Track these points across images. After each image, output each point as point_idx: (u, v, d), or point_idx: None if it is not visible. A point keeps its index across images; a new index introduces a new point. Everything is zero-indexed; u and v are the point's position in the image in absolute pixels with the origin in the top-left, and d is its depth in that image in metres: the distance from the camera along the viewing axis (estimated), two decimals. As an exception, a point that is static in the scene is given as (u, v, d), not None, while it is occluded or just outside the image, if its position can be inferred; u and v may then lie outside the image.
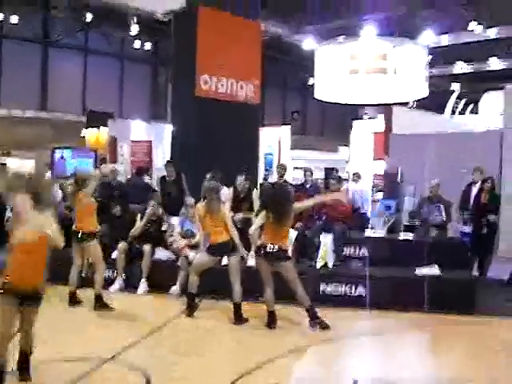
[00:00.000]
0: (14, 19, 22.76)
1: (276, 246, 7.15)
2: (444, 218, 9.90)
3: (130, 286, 9.12)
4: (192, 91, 12.47)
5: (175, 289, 8.72)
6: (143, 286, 9.00)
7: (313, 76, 17.45)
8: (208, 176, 9.26)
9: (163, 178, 11.23)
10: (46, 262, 5.15)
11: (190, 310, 7.75)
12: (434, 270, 8.54)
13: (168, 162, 11.58)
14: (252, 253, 8.00)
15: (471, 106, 24.61)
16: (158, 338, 6.93)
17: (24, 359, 5.21)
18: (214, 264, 7.76)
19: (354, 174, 13.92)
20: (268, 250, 7.17)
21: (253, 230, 7.50)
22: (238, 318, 7.45)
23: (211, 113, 12.41)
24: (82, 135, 19.84)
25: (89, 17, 23.40)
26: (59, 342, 6.54)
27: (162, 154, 17.46)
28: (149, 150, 17.63)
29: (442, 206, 9.90)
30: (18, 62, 23.97)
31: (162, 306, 8.41)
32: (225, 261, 7.84)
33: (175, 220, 9.76)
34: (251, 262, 8.13)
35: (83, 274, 8.53)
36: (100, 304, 7.96)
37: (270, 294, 7.32)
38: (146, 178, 12.30)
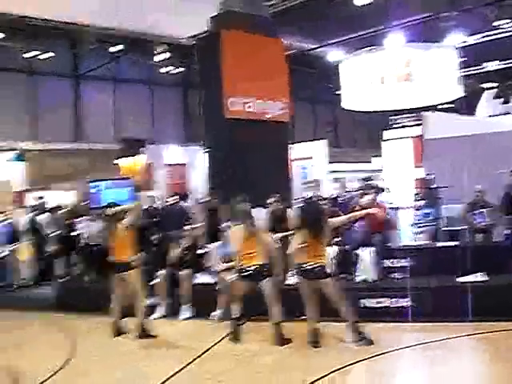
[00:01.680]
0: (45, 55, 23.28)
1: (315, 264, 7.12)
2: (488, 223, 9.72)
3: (172, 312, 9.15)
4: (222, 113, 12.58)
5: (217, 313, 8.71)
6: (185, 311, 9.03)
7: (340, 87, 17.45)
8: (238, 199, 9.15)
9: (204, 202, 11.35)
10: None
11: (235, 334, 7.72)
12: (479, 277, 8.35)
13: (211, 188, 11.70)
14: (292, 272, 7.97)
15: (503, 105, 24.16)
16: (202, 364, 6.92)
17: None
18: (251, 289, 7.69)
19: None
20: (307, 268, 7.14)
21: (291, 249, 7.45)
22: (279, 339, 7.39)
23: (242, 133, 12.49)
24: (118, 164, 20.10)
25: (116, 47, 23.82)
26: (106, 372, 6.61)
27: (197, 177, 17.61)
28: (184, 173, 17.80)
29: (485, 210, 9.73)
30: (51, 96, 24.51)
31: (205, 331, 8.40)
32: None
33: (214, 244, 9.78)
34: (291, 280, 8.08)
35: (125, 304, 8.57)
36: (143, 333, 8.01)
37: (312, 312, 7.27)
38: (188, 202, 12.38)
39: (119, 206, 8.47)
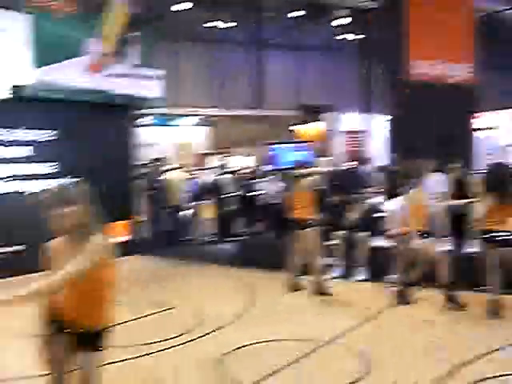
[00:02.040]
0: (228, 24, 24.12)
1: (504, 231, 6.80)
2: None
3: (349, 273, 9.23)
4: (404, 77, 12.29)
5: (393, 277, 8.64)
6: (360, 273, 9.06)
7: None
8: (417, 163, 8.88)
9: (385, 167, 11.25)
10: None
11: (408, 299, 7.64)
12: None
13: (392, 153, 11.58)
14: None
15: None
16: (375, 325, 6.94)
17: None
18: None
19: None
20: (496, 235, 6.84)
21: (477, 215, 7.15)
22: (451, 301, 7.20)
23: (424, 98, 12.12)
24: (295, 129, 20.46)
25: (297, 13, 24.02)
26: (280, 324, 6.86)
27: (375, 144, 17.43)
28: (363, 141, 17.70)
29: None
30: (233, 64, 25.41)
31: (380, 293, 8.38)
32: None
33: (392, 207, 9.66)
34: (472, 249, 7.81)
35: (302, 262, 8.75)
36: (318, 290, 8.17)
37: (495, 282, 6.97)
38: (367, 168, 12.34)
39: (304, 166, 8.64)
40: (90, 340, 3.49)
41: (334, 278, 9.14)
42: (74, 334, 3.49)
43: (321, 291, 8.17)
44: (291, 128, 20.50)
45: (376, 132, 16.93)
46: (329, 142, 18.29)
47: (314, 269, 8.28)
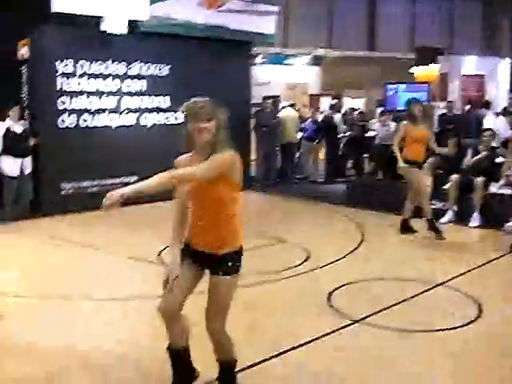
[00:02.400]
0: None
1: None
2: None
3: (461, 218, 8.97)
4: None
5: (510, 225, 8.32)
6: (475, 219, 8.78)
7: None
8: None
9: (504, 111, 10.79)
10: None
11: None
12: None
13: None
14: None
15: None
16: (489, 270, 6.74)
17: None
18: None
19: None
20: None
21: None
22: None
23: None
24: (410, 72, 19.80)
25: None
26: (389, 263, 6.83)
27: (495, 88, 16.61)
28: (481, 85, 16.90)
29: None
30: (347, 5, 24.74)
31: (494, 240, 8.11)
32: None
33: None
34: None
35: (414, 204, 8.53)
36: (431, 227, 8.02)
37: None
38: (488, 112, 11.83)
39: (418, 103, 8.36)
40: (220, 263, 3.49)
41: (447, 222, 8.90)
42: (206, 256, 3.53)
43: (434, 229, 8.00)
44: (409, 70, 19.81)
45: (500, 76, 16.06)
46: (446, 86, 17.54)
47: (425, 211, 8.10)
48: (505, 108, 11.15)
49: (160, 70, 10.72)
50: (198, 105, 3.43)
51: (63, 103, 9.58)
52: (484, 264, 6.86)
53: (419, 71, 19.51)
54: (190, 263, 3.55)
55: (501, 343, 4.71)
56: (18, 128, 9.08)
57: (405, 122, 8.26)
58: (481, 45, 26.38)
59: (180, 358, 3.68)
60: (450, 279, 6.23)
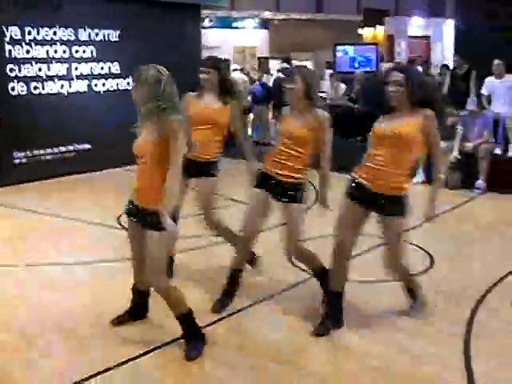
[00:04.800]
0: None
1: None
2: None
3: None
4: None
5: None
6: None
7: None
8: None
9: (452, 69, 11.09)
10: None
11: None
12: None
13: (455, 53, 11.33)
14: None
15: None
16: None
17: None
18: None
19: None
20: None
21: None
22: None
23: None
24: (358, 34, 20.05)
25: None
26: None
27: (440, 50, 16.96)
28: (427, 46, 17.23)
29: None
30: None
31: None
32: None
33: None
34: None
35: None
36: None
37: None
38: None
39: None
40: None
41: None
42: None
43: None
44: (359, 32, 20.03)
45: (445, 38, 16.38)
46: (392, 47, 17.83)
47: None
48: (443, 65, 11.52)
49: (109, 35, 10.58)
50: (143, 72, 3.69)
51: (12, 71, 9.41)
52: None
53: (366, 33, 19.77)
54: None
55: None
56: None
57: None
58: (426, 6, 26.77)
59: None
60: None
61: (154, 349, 4.03)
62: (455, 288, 5.14)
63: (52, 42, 9.82)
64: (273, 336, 4.27)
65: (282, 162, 4.37)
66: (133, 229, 3.96)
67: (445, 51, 15.72)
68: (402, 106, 4.02)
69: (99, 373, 3.73)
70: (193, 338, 3.98)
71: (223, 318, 4.53)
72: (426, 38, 18.11)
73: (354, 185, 4.17)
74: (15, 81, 9.42)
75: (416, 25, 19.52)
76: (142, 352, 3.98)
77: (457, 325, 4.37)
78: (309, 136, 4.33)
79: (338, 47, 14.83)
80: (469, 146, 8.85)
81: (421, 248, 6.06)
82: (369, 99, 9.86)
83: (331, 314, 4.32)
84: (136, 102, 3.73)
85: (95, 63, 10.42)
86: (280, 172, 4.37)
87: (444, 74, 11.54)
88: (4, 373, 3.81)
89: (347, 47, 14.61)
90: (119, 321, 4.36)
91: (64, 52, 9.98)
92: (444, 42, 17.41)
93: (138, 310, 4.39)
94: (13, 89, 9.39)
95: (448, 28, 16.58)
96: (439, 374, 3.76)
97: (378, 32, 19.35)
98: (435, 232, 6.60)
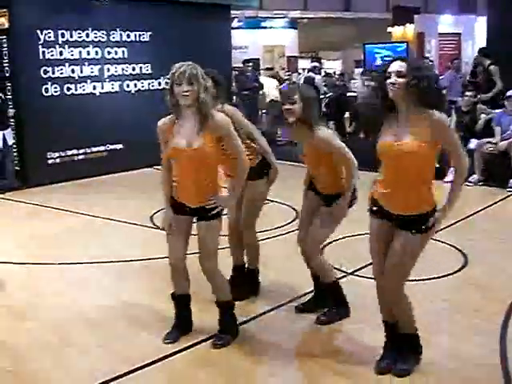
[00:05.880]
0: None
1: None
2: None
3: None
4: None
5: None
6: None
7: None
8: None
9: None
10: None
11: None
12: None
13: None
14: None
15: None
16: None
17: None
18: None
19: None
20: None
21: None
22: None
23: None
24: (388, 31, 19.91)
25: None
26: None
27: (471, 48, 16.77)
28: (457, 44, 17.04)
29: None
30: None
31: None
32: None
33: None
34: None
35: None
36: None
37: None
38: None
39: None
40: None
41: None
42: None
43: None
44: (387, 30, 19.89)
45: (477, 35, 16.19)
46: (422, 45, 17.67)
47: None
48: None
49: (140, 36, 10.68)
50: (181, 69, 3.60)
51: (46, 72, 9.55)
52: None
53: (396, 31, 19.62)
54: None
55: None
56: (-6, 101, 9.04)
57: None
58: (456, 3, 26.47)
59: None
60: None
61: (188, 347, 4.06)
62: (490, 286, 5.09)
63: (84, 44, 9.95)
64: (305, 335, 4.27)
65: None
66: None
67: (476, 49, 15.46)
68: (404, 103, 3.32)
69: (134, 370, 3.77)
70: (227, 329, 4.06)
71: (255, 317, 4.55)
72: (457, 35, 17.88)
73: (375, 208, 3.68)
74: (49, 82, 9.56)
75: (446, 22, 19.29)
76: (176, 350, 4.00)
77: (492, 322, 4.33)
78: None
79: (367, 46, 14.79)
80: (503, 144, 8.75)
81: (454, 247, 6.00)
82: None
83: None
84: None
85: (127, 64, 10.53)
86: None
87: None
88: (37, 369, 3.87)
89: (376, 46, 14.56)
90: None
91: (96, 53, 10.11)
92: (475, 39, 17.17)
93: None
94: (46, 90, 9.54)
95: (479, 25, 16.37)
96: (474, 371, 3.72)
97: (408, 30, 19.17)
98: (468, 230, 6.57)
